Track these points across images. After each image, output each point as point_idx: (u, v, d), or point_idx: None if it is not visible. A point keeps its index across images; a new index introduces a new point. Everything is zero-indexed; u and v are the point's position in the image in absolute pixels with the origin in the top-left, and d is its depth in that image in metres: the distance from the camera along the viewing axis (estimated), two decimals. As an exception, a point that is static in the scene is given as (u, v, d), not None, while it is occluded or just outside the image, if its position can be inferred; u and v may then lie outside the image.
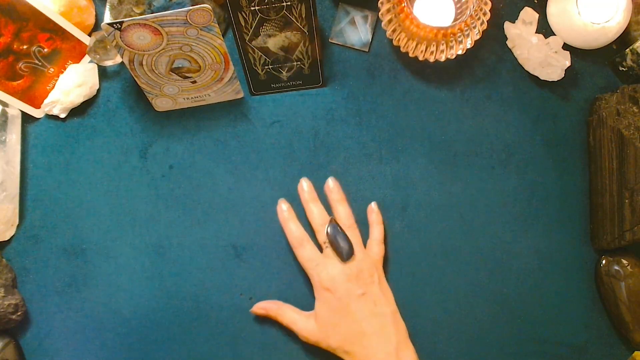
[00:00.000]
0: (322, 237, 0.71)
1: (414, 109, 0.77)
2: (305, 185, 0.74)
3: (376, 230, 0.73)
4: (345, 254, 0.68)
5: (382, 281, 0.71)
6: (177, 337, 0.73)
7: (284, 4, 0.67)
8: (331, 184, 0.74)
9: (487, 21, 0.72)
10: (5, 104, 0.72)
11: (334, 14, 0.77)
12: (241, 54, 0.72)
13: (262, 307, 0.72)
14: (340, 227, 0.70)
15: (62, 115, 0.75)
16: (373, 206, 0.74)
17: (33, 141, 0.75)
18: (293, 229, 0.72)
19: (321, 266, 0.69)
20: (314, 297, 0.72)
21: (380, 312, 0.69)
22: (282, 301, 0.73)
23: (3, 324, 0.70)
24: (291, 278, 0.74)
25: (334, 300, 0.68)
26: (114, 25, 0.63)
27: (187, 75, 0.71)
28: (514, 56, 0.77)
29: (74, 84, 0.73)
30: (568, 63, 0.74)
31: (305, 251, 0.71)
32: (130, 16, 0.68)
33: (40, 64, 0.72)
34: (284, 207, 0.73)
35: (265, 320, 0.74)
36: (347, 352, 0.67)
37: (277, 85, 0.76)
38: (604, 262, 0.74)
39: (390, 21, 0.72)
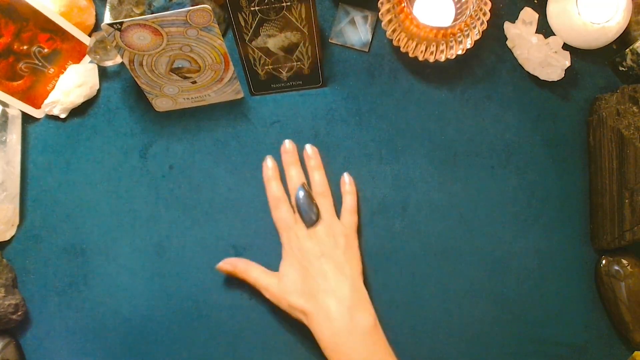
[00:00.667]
0: (293, 201, 0.72)
1: (414, 109, 0.77)
2: (288, 146, 0.74)
3: (348, 199, 0.74)
4: (308, 222, 0.70)
5: (348, 248, 0.71)
6: (177, 337, 0.74)
7: (284, 4, 0.67)
8: (309, 150, 0.75)
9: (487, 21, 0.72)
10: (5, 104, 0.72)
11: (334, 14, 0.77)
12: (241, 54, 0.72)
13: (230, 262, 0.73)
14: (310, 194, 0.71)
15: (63, 116, 0.75)
16: (345, 177, 0.75)
17: (33, 141, 0.75)
18: (274, 188, 0.73)
19: (292, 228, 0.71)
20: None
21: (340, 273, 0.69)
22: None
23: (3, 324, 0.71)
24: (291, 278, 0.74)
25: (296, 259, 0.70)
26: (114, 25, 0.63)
27: (187, 75, 0.71)
28: (513, 56, 0.77)
29: (74, 84, 0.74)
30: (568, 63, 0.74)
31: (281, 212, 0.72)
32: (130, 16, 0.68)
33: (40, 64, 0.72)
34: (269, 164, 0.74)
35: (265, 320, 0.74)
36: (304, 311, 0.67)
37: (277, 85, 0.76)
38: (604, 262, 0.74)
39: (390, 21, 0.72)
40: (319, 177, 0.73)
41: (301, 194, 0.71)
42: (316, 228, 0.70)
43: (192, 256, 0.74)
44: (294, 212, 0.72)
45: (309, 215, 0.70)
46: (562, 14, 0.74)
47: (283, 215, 0.72)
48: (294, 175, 0.73)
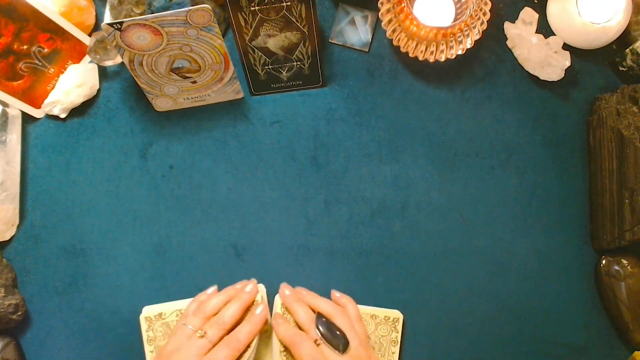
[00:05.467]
0: (313, 335, 0.67)
1: (414, 109, 0.77)
2: (286, 290, 0.72)
3: (351, 309, 0.71)
4: (342, 346, 0.66)
5: (371, 352, 0.69)
6: (177, 337, 0.73)
7: (284, 4, 0.67)
8: (287, 291, 0.72)
9: (487, 21, 0.72)
10: (5, 104, 0.72)
11: (334, 14, 0.77)
12: (241, 54, 0.72)
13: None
14: (329, 320, 0.68)
15: (63, 116, 0.75)
16: (336, 294, 0.73)
17: (33, 141, 0.75)
18: (287, 329, 0.68)
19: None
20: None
21: None
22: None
23: (3, 323, 0.71)
24: (291, 278, 0.74)
25: None
26: (114, 25, 0.63)
27: (187, 75, 0.71)
28: (513, 56, 0.77)
29: (74, 84, 0.73)
30: (568, 63, 0.74)
31: (306, 349, 0.66)
32: (131, 16, 0.68)
33: (40, 64, 0.72)
34: (287, 292, 0.71)
35: (265, 320, 0.74)
36: None
37: (277, 85, 0.76)
38: (604, 262, 0.74)
39: (390, 21, 0.72)
40: (323, 302, 0.70)
41: (322, 324, 0.67)
42: (349, 353, 0.66)
43: (192, 256, 0.74)
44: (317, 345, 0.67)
45: (340, 341, 0.66)
46: (562, 14, 0.74)
47: (310, 351, 0.66)
48: (303, 312, 0.69)
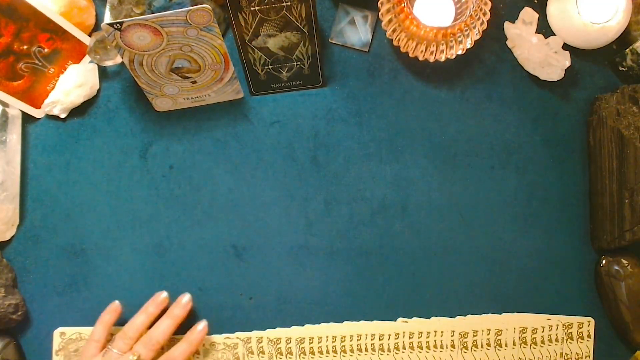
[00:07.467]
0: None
1: (414, 109, 0.77)
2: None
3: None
4: None
5: None
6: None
7: (284, 4, 0.67)
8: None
9: (487, 21, 0.72)
10: (5, 104, 0.72)
11: (334, 14, 0.77)
12: (241, 54, 0.72)
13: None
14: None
15: (63, 116, 0.75)
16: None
17: (33, 141, 0.75)
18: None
19: None
20: (315, 297, 0.72)
21: None
22: (281, 301, 0.73)
23: (3, 323, 0.71)
24: (291, 278, 0.74)
25: None
26: (114, 25, 0.63)
27: (187, 75, 0.71)
28: (514, 56, 0.77)
29: (74, 84, 0.73)
30: (568, 63, 0.74)
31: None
32: (131, 16, 0.68)
33: (40, 64, 0.72)
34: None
35: (265, 321, 0.74)
36: None
37: (277, 85, 0.76)
38: (604, 262, 0.74)
39: (390, 21, 0.72)
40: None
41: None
42: None
43: (192, 256, 0.75)
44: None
45: None
46: (562, 14, 0.74)
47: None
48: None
